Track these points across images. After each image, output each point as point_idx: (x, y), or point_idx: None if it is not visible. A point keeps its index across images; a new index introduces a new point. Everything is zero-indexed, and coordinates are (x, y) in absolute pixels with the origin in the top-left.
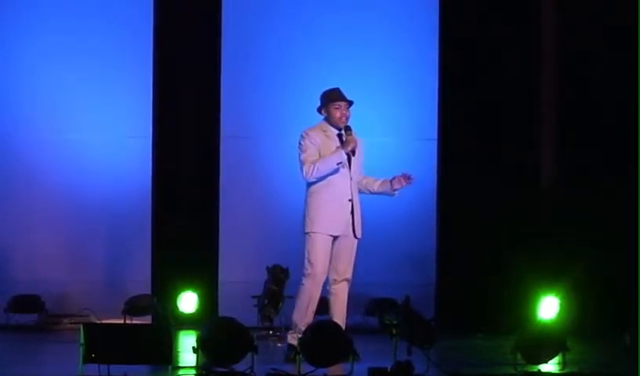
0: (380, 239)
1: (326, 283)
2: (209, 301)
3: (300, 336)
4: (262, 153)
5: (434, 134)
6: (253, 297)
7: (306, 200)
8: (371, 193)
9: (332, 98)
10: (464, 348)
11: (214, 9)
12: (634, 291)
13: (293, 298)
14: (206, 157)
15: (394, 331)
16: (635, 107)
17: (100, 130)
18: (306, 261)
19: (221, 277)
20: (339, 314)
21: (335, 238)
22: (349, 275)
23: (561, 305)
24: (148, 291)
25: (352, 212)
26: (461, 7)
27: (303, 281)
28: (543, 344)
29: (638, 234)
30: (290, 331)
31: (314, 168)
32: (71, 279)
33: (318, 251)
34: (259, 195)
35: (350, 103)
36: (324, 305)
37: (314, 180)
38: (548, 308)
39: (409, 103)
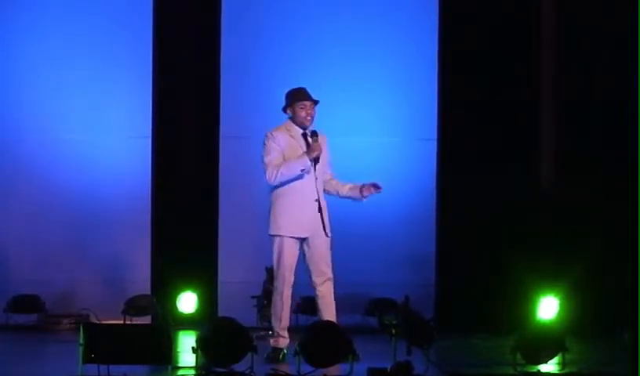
0: (379, 239)
1: (298, 284)
2: (209, 301)
3: (275, 339)
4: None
5: (434, 134)
6: (253, 297)
7: (271, 202)
8: (339, 196)
9: (297, 97)
10: (464, 348)
11: (213, 9)
12: (634, 291)
13: (292, 298)
14: (206, 158)
15: (393, 331)
16: (635, 107)
17: (100, 130)
18: (274, 265)
19: (221, 277)
20: (329, 315)
21: (304, 240)
22: (330, 274)
23: (560, 305)
24: (148, 291)
25: (320, 211)
26: (460, 7)
27: (275, 285)
28: (543, 344)
29: (638, 234)
30: (269, 334)
31: (277, 172)
32: (71, 279)
33: (284, 254)
34: (258, 195)
35: (316, 103)
36: (314, 306)
37: (277, 184)
38: (548, 308)
39: (408, 102)
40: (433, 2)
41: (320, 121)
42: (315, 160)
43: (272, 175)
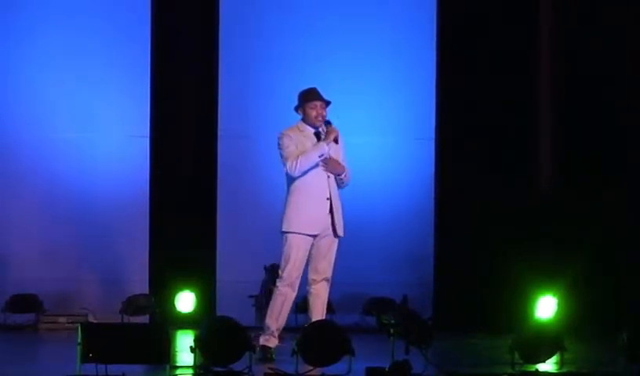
0: (377, 238)
1: (305, 283)
2: (207, 300)
3: (267, 338)
4: (260, 152)
5: (432, 133)
6: (250, 296)
7: (285, 200)
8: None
9: (307, 98)
10: (462, 347)
11: (212, 9)
12: (633, 291)
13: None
14: (204, 157)
15: (391, 331)
16: (635, 107)
17: (99, 129)
18: (282, 262)
19: (219, 277)
20: (319, 314)
21: (314, 238)
22: (329, 274)
23: (558, 304)
24: (146, 291)
25: (331, 211)
26: (459, 7)
27: (278, 284)
28: (541, 343)
29: (637, 234)
30: (262, 334)
31: (297, 162)
32: (69, 278)
33: (295, 252)
34: (257, 194)
35: (328, 103)
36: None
37: (299, 175)
38: (546, 307)
39: (407, 102)
40: (431, 3)
41: None
42: (335, 142)
43: (293, 166)
